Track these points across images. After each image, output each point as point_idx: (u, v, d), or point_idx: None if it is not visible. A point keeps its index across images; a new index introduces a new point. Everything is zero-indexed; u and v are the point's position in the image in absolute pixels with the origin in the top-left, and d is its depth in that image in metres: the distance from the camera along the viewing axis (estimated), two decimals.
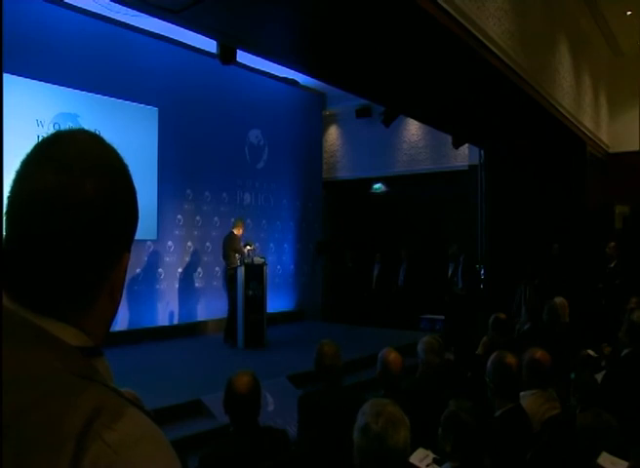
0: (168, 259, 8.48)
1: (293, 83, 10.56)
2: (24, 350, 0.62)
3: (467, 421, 2.18)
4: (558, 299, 5.67)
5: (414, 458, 2.21)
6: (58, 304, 0.66)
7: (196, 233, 8.94)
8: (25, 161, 0.68)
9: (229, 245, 7.75)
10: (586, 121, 9.44)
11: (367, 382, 5.53)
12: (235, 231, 7.85)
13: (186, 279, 8.73)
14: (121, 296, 0.74)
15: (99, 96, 7.51)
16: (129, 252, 0.73)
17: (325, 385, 3.20)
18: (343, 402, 3.04)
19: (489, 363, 2.94)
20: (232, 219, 8.45)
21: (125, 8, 5.76)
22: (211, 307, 8.91)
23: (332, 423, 2.92)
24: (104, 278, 0.69)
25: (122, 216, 0.70)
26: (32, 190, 0.65)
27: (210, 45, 6.70)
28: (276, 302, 9.62)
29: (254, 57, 7.72)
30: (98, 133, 0.73)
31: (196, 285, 8.88)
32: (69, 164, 0.66)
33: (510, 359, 2.90)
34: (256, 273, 7.46)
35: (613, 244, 8.81)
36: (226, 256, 7.79)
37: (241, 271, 7.37)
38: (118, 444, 0.57)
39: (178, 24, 5.42)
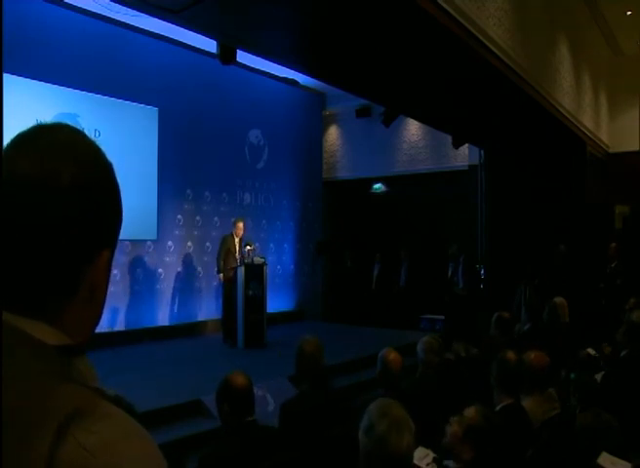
0: (168, 259, 8.48)
1: (293, 83, 10.56)
2: None
3: (491, 432, 2.16)
4: (558, 299, 5.67)
5: (414, 457, 2.21)
6: (31, 302, 0.63)
7: (196, 233, 8.94)
8: (4, 150, 0.65)
9: (222, 246, 7.74)
10: (586, 121, 9.44)
11: (367, 382, 5.53)
12: (233, 232, 7.83)
13: (186, 279, 8.73)
14: (105, 297, 0.71)
15: (99, 96, 7.50)
16: (111, 250, 0.70)
17: (308, 387, 3.05)
18: (330, 404, 2.95)
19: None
20: (232, 219, 8.46)
21: (125, 8, 5.77)
22: (210, 307, 8.91)
23: (319, 429, 2.78)
24: (79, 274, 0.65)
25: (101, 211, 0.67)
26: (5, 178, 0.62)
27: (210, 45, 6.71)
28: (276, 302, 9.62)
29: (254, 57, 7.72)
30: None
31: (196, 285, 8.87)
32: (47, 153, 0.64)
33: (510, 355, 2.93)
34: (256, 273, 7.45)
35: (614, 245, 8.84)
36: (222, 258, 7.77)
37: (241, 271, 7.37)
38: (96, 447, 0.54)
39: (178, 24, 5.42)
